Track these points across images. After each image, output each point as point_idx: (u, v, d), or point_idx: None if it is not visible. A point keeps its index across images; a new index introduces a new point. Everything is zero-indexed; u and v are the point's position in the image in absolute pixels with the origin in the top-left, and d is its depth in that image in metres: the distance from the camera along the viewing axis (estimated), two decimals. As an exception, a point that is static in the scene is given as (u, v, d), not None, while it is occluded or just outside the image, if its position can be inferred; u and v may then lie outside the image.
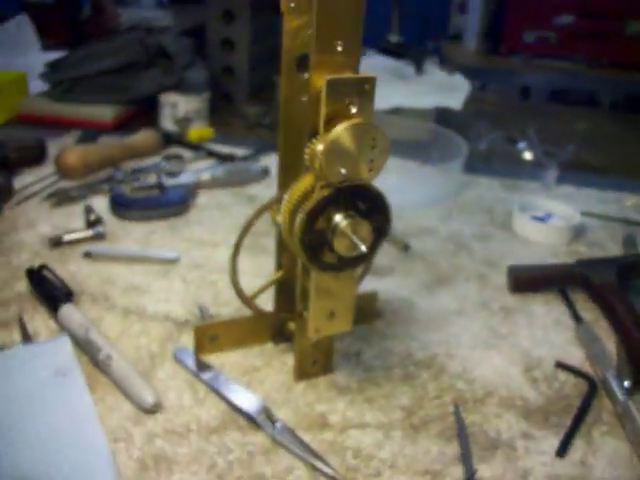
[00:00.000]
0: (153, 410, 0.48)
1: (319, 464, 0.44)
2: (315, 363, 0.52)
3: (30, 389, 0.48)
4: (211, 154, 0.96)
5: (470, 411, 0.50)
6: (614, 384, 0.52)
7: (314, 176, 0.41)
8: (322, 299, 0.46)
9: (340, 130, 0.38)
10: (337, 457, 0.45)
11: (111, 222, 0.76)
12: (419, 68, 1.11)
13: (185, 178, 0.84)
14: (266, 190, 0.87)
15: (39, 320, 0.57)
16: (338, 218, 0.41)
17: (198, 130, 1.02)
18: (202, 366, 0.52)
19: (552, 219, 0.81)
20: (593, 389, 0.53)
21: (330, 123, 0.39)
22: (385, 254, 0.73)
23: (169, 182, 0.82)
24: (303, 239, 0.41)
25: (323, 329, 0.47)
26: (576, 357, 0.57)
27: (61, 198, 0.79)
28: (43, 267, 0.62)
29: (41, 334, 0.56)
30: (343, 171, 0.39)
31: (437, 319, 0.62)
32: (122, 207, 0.77)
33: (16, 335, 0.55)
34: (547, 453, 0.47)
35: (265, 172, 0.90)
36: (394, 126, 0.98)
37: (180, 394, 0.50)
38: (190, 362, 0.53)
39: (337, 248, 0.41)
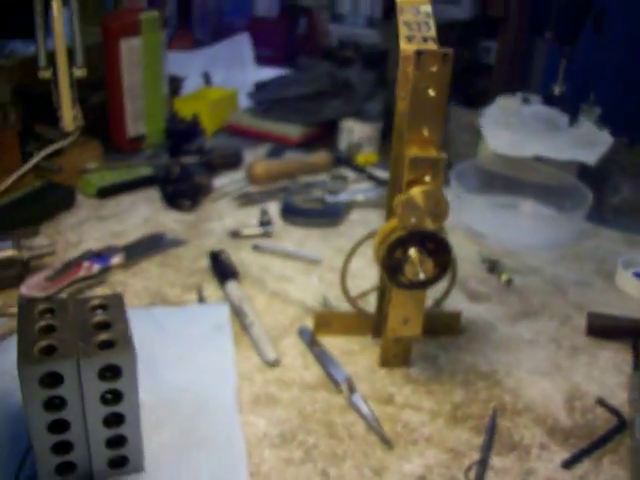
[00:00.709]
0: (273, 365, 0.69)
1: (375, 425, 0.61)
2: (396, 356, 0.68)
3: (195, 335, 0.72)
4: (371, 177, 1.15)
5: (505, 418, 0.64)
6: (638, 424, 0.63)
7: (397, 220, 0.58)
8: (398, 308, 0.63)
9: (414, 192, 0.54)
10: (390, 425, 0.62)
11: (279, 224, 0.98)
12: (573, 120, 1.19)
13: (343, 196, 1.04)
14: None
15: (212, 289, 0.81)
16: (411, 251, 0.58)
17: (365, 155, 1.22)
18: (314, 342, 0.72)
19: (656, 278, 0.88)
20: (620, 426, 0.64)
21: (410, 185, 0.56)
22: (488, 284, 0.86)
23: (330, 198, 1.02)
24: (384, 263, 0.59)
25: (398, 330, 0.64)
26: (619, 399, 0.68)
27: (246, 200, 1.03)
28: (221, 251, 0.85)
29: (211, 299, 0.80)
30: (413, 220, 0.56)
31: (510, 344, 0.75)
32: (290, 213, 0.99)
33: (194, 297, 0.80)
34: (555, 463, 0.59)
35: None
36: (534, 171, 1.09)
37: (294, 358, 0.70)
38: (307, 338, 0.73)
39: (406, 273, 0.58)
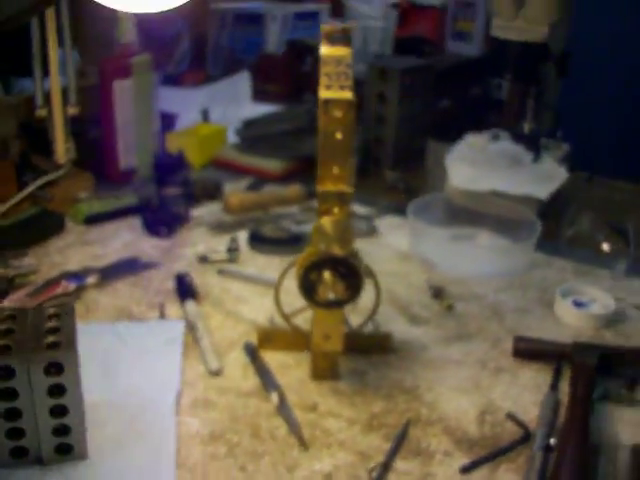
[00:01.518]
0: (215, 374, 0.76)
1: (296, 429, 0.68)
2: (324, 370, 0.76)
3: (150, 346, 0.80)
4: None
5: (418, 428, 0.70)
6: (539, 439, 0.68)
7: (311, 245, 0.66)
8: (319, 325, 0.70)
9: (323, 221, 0.63)
10: (310, 429, 0.69)
11: (245, 251, 1.07)
12: (536, 157, 1.27)
13: (309, 227, 1.12)
14: (368, 246, 1.11)
15: (174, 308, 0.90)
16: (324, 274, 0.66)
17: (336, 188, 1.30)
18: (255, 355, 0.80)
19: (592, 306, 0.94)
20: (525, 438, 0.70)
21: (321, 215, 0.64)
22: (430, 309, 0.93)
23: (295, 228, 1.11)
24: (301, 283, 0.67)
25: (321, 345, 0.72)
26: (531, 415, 0.73)
27: (219, 228, 1.12)
28: (186, 274, 0.94)
29: (171, 316, 0.88)
30: (322, 246, 0.64)
31: (437, 363, 0.82)
32: (256, 241, 1.08)
33: (156, 314, 0.88)
34: (454, 468, 0.66)
35: (372, 230, 1.15)
36: (493, 204, 1.16)
37: (236, 369, 0.78)
38: (250, 351, 0.80)
39: (319, 293, 0.66)
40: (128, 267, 0.99)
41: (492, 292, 0.99)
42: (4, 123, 1.17)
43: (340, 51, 0.69)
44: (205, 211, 1.20)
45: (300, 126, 1.37)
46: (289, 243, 1.08)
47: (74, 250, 1.05)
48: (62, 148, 1.14)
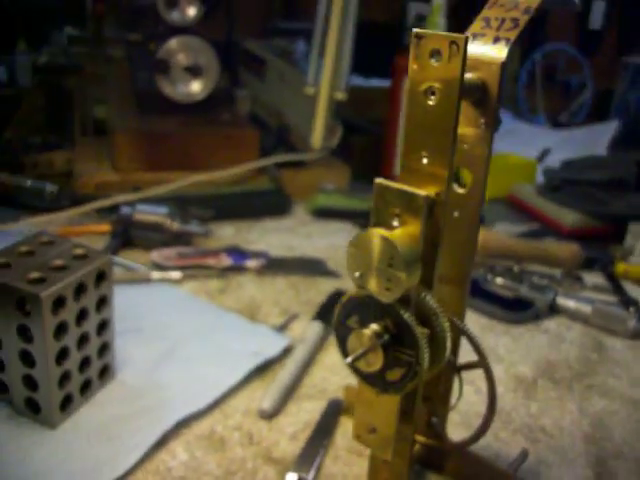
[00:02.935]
0: (263, 416, 0.56)
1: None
2: (385, 481, 0.48)
3: (230, 344, 0.65)
4: (618, 291, 0.85)
5: None
6: None
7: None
8: (365, 406, 0.43)
9: (364, 234, 0.37)
10: None
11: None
12: None
13: (549, 296, 0.79)
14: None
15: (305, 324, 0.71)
16: (362, 324, 0.39)
17: (630, 266, 0.90)
18: (331, 418, 0.56)
19: None
20: None
21: (376, 224, 0.38)
22: None
23: (532, 294, 0.79)
24: (336, 329, 0.41)
25: (363, 438, 0.44)
26: None
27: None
28: (342, 293, 0.74)
29: (294, 331, 0.70)
30: (357, 274, 0.37)
31: None
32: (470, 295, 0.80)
33: (280, 321, 0.71)
34: None
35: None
36: None
37: (291, 424, 0.56)
38: (330, 411, 0.57)
39: (348, 347, 0.40)
40: (305, 267, 0.84)
41: None
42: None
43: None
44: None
45: (620, 177, 1.00)
46: (509, 307, 0.77)
47: (277, 235, 0.95)
48: (319, 133, 1.05)
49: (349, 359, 0.39)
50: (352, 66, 1.04)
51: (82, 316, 0.54)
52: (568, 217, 1.03)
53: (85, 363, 0.55)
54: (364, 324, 0.39)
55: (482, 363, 0.44)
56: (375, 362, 0.38)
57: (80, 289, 0.53)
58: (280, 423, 0.56)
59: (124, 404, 0.56)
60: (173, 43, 1.01)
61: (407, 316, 0.37)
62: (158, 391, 0.58)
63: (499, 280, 0.82)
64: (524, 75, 1.91)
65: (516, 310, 0.77)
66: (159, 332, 0.67)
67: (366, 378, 0.41)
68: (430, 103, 0.36)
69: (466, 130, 0.41)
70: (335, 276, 0.83)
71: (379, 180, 0.37)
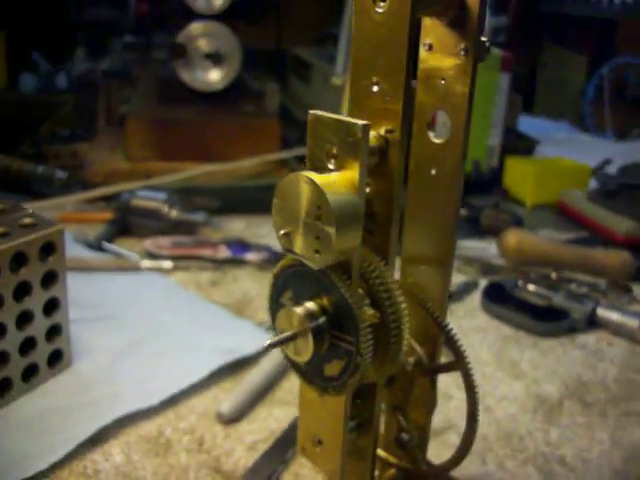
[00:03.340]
0: (221, 419, 0.48)
1: None
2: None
3: (205, 336, 0.57)
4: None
5: None
6: None
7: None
8: (309, 411, 0.35)
9: (289, 178, 0.28)
10: None
11: (471, 305, 0.70)
12: None
13: (587, 307, 0.67)
14: None
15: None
16: (296, 302, 0.31)
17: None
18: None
19: None
20: None
21: (312, 166, 0.30)
22: None
23: (567, 303, 0.68)
24: (270, 307, 0.33)
25: (308, 452, 0.35)
26: None
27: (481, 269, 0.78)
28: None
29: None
30: (282, 233, 0.29)
31: None
32: (492, 298, 0.70)
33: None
34: None
35: None
36: None
37: (258, 431, 0.47)
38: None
39: (276, 325, 0.32)
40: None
41: None
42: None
43: None
44: (478, 245, 0.86)
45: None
46: (539, 316, 0.66)
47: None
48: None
49: (267, 342, 0.30)
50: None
51: (23, 291, 0.48)
52: (622, 225, 0.91)
53: (28, 345, 0.49)
54: (298, 302, 0.31)
55: (460, 364, 0.34)
56: (304, 350, 0.30)
57: (20, 260, 0.47)
58: (240, 430, 0.48)
59: (71, 395, 0.50)
60: (194, 28, 0.96)
61: (344, 289, 0.29)
62: (111, 384, 0.51)
63: (531, 287, 0.71)
64: (591, 90, 1.77)
65: (548, 320, 0.66)
66: (132, 322, 0.60)
67: (304, 373, 0.32)
68: (379, 11, 0.28)
69: (442, 60, 0.32)
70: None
71: (313, 111, 0.29)
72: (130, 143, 0.93)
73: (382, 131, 0.29)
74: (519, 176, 1.06)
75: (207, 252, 0.73)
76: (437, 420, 0.52)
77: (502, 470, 0.46)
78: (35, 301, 0.49)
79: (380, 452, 0.40)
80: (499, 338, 0.65)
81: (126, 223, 0.79)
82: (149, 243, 0.74)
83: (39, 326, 0.49)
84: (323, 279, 0.29)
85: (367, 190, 0.31)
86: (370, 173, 0.30)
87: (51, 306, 0.50)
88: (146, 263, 0.71)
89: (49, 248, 0.49)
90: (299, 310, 0.30)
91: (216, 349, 0.56)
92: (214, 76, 0.98)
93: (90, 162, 0.95)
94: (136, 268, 0.71)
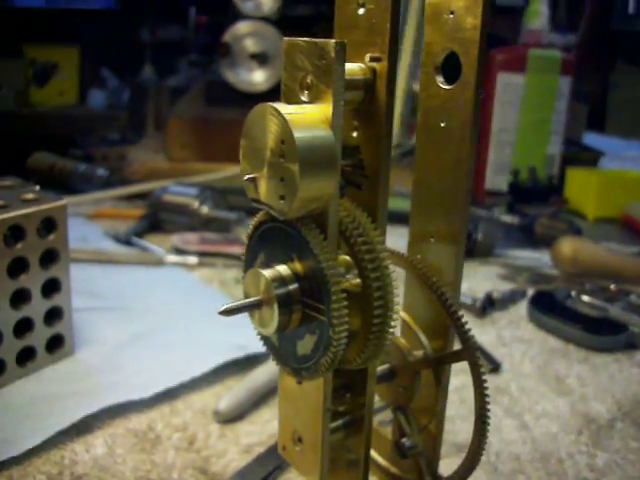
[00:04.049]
0: (218, 416, 0.43)
1: None
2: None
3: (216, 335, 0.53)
4: None
5: None
6: None
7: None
8: (286, 405, 0.30)
9: (255, 111, 0.24)
10: None
11: (516, 314, 0.64)
12: None
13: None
14: None
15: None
16: (267, 265, 0.26)
17: None
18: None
19: None
20: None
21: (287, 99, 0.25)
22: None
23: (623, 315, 0.60)
24: (244, 271, 0.29)
25: (287, 451, 0.30)
26: None
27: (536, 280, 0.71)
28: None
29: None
30: (246, 177, 0.25)
31: None
32: (540, 307, 0.63)
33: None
34: None
35: None
36: None
37: (254, 434, 0.43)
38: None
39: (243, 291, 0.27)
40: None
41: None
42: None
43: None
44: (531, 255, 0.79)
45: None
46: (594, 329, 0.59)
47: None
48: (394, 129, 0.92)
49: (222, 307, 0.26)
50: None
51: (19, 267, 0.45)
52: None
53: (25, 327, 0.46)
54: (270, 265, 0.26)
55: (466, 354, 0.28)
56: (268, 321, 0.25)
57: (16, 234, 0.44)
58: (237, 431, 0.43)
59: (66, 383, 0.47)
60: (241, 27, 0.94)
61: (315, 247, 0.24)
62: (109, 374, 0.48)
63: (585, 298, 0.64)
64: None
65: (602, 333, 0.58)
66: (143, 314, 0.57)
67: (278, 353, 0.28)
68: None
69: (450, -11, 0.27)
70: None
71: (288, 38, 0.25)
72: (171, 143, 0.92)
73: (368, 59, 0.24)
74: (581, 187, 0.98)
75: (235, 250, 0.70)
76: (463, 434, 0.45)
77: (533, 495, 0.40)
78: (32, 280, 0.46)
79: (380, 460, 0.35)
80: (545, 350, 0.58)
81: (158, 219, 0.77)
82: (177, 238, 0.71)
83: (37, 307, 0.47)
84: (296, 237, 0.25)
85: (354, 134, 0.26)
86: (357, 114, 0.26)
87: (51, 287, 0.48)
88: (170, 258, 0.68)
89: (50, 225, 0.46)
90: (267, 273, 0.25)
91: (225, 344, 0.51)
92: (259, 77, 0.96)
93: (131, 161, 0.94)
94: (160, 263, 0.68)
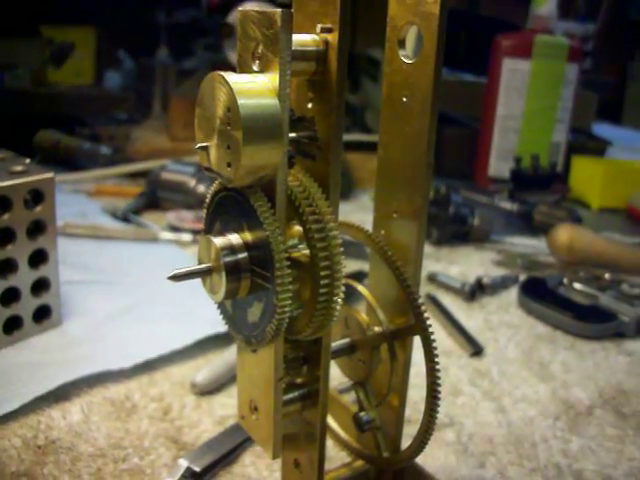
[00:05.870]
0: (195, 389, 0.44)
1: None
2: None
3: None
4: None
5: None
6: None
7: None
8: (243, 376, 0.30)
9: (206, 80, 0.24)
10: None
11: (506, 300, 0.64)
12: None
13: (636, 309, 0.59)
14: None
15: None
16: (221, 234, 0.26)
17: None
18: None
19: None
20: None
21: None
22: None
23: (613, 304, 0.60)
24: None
25: (246, 420, 0.31)
26: None
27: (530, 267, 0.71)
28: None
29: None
30: (199, 145, 0.25)
31: None
32: (530, 293, 0.63)
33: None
34: None
35: None
36: None
37: (223, 406, 0.43)
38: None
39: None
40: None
41: None
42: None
43: None
44: (528, 243, 0.79)
45: None
46: (582, 316, 0.59)
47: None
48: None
49: (171, 272, 0.26)
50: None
51: (5, 237, 0.46)
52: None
53: (11, 296, 0.47)
54: (224, 233, 0.26)
55: (418, 328, 0.29)
56: (217, 288, 0.26)
57: (3, 204, 0.45)
58: (213, 403, 0.44)
59: (49, 352, 0.48)
60: (246, 6, 0.94)
61: (261, 215, 0.24)
62: (93, 344, 0.49)
63: (577, 285, 0.63)
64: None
65: (591, 321, 0.58)
66: (132, 288, 0.58)
67: (233, 322, 0.28)
68: None
69: (411, -38, 0.27)
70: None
71: (242, 7, 0.25)
72: (173, 122, 0.92)
73: (319, 30, 0.24)
74: (586, 176, 0.97)
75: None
76: (438, 416, 0.46)
77: (502, 477, 0.40)
78: (19, 250, 0.47)
79: (344, 435, 0.35)
80: (531, 336, 0.57)
81: (156, 197, 0.78)
82: (172, 216, 0.72)
83: (24, 278, 0.48)
84: (246, 205, 0.25)
85: (309, 106, 0.26)
86: (312, 85, 0.26)
87: (38, 258, 0.48)
88: (165, 235, 0.69)
89: (38, 197, 0.47)
90: (217, 241, 0.25)
91: (209, 319, 0.52)
92: (262, 58, 0.95)
93: (134, 140, 0.95)
94: (154, 239, 0.69)
